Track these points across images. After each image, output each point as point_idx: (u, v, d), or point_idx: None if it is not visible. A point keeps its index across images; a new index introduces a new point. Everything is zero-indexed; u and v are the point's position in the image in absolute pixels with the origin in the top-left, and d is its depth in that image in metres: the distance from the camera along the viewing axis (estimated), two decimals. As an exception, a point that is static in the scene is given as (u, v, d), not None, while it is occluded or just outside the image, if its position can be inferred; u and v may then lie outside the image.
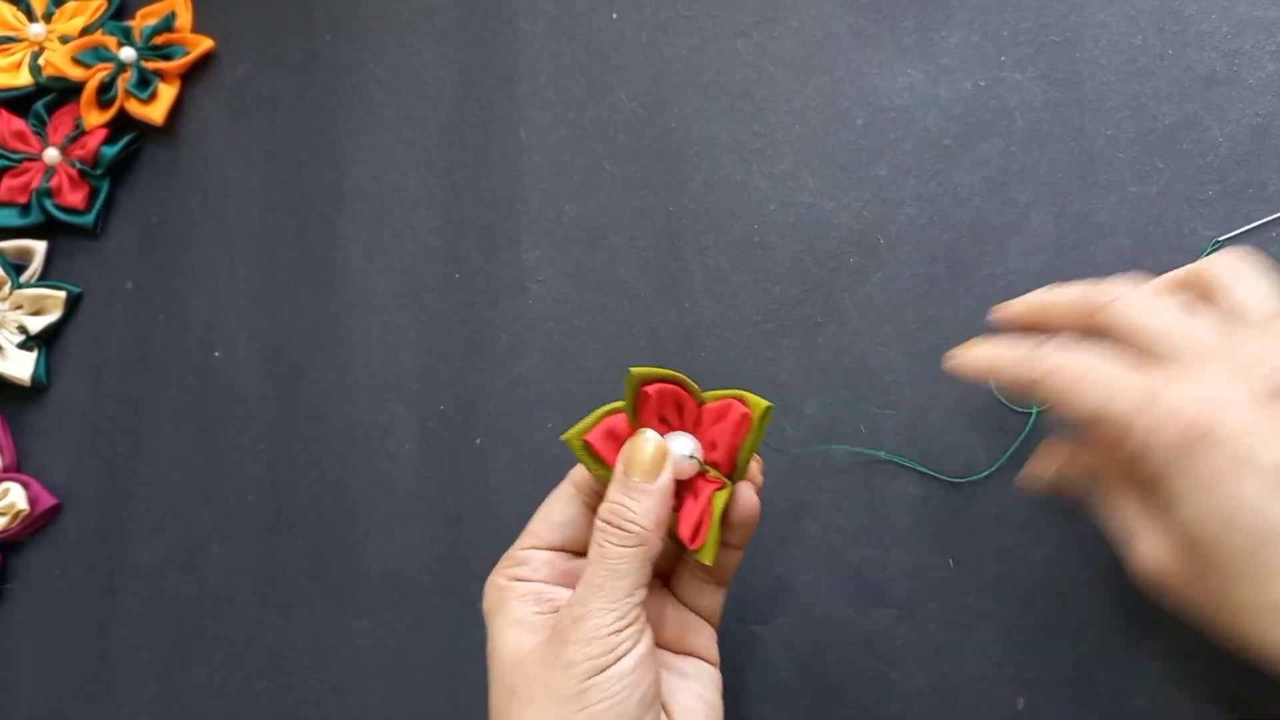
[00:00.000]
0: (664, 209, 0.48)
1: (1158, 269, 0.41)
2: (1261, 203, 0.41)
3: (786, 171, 0.47)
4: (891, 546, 0.42)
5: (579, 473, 0.37)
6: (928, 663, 0.41)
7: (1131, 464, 0.31)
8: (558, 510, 0.37)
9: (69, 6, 0.58)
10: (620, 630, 0.32)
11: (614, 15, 0.51)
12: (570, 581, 0.36)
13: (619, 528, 0.33)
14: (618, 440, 0.35)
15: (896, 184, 0.45)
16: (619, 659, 0.32)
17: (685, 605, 0.38)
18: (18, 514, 0.52)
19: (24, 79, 0.57)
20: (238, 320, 0.53)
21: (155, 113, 0.56)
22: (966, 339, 0.43)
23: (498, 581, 0.36)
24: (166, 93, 0.56)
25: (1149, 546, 0.32)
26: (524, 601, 0.35)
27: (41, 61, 0.57)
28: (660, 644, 0.37)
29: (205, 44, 0.57)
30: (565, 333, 0.48)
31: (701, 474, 0.35)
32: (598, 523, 0.34)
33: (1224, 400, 0.29)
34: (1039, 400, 0.34)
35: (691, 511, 0.35)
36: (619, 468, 0.34)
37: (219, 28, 0.57)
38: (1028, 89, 0.44)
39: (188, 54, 0.57)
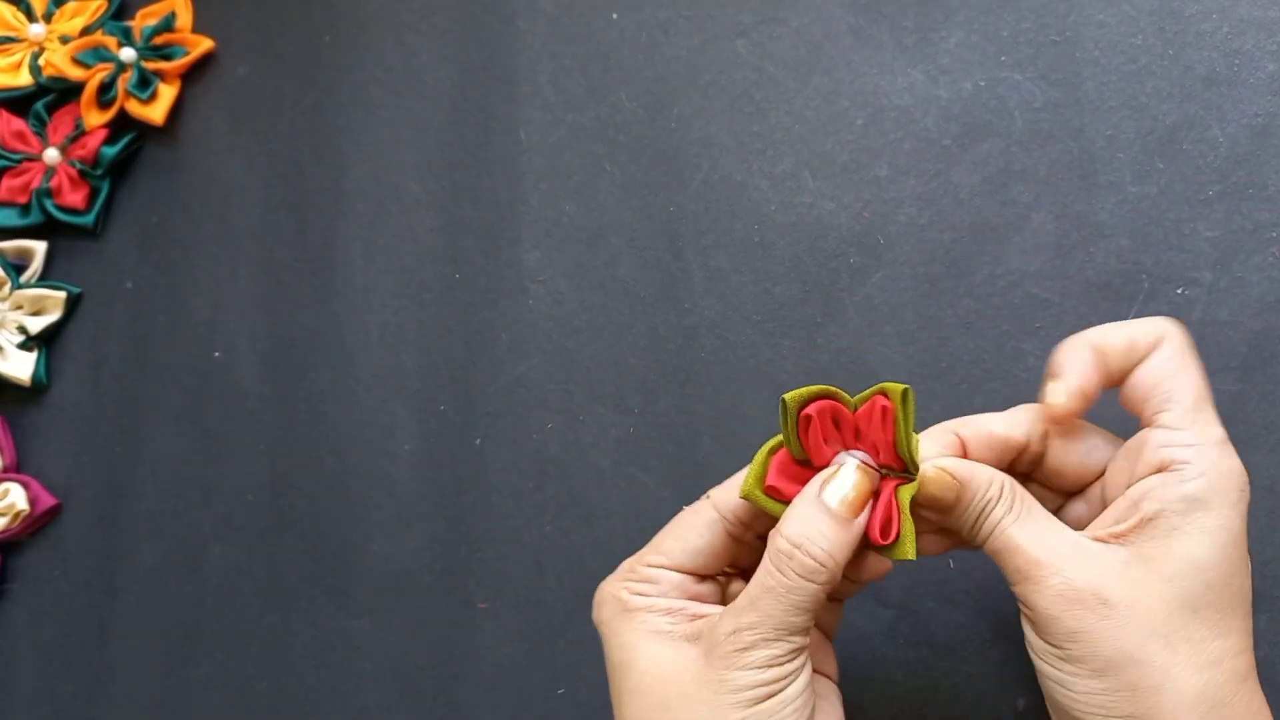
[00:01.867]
0: (664, 209, 0.48)
1: (1158, 269, 0.41)
2: (1262, 203, 0.41)
3: (786, 171, 0.47)
4: (891, 546, 0.42)
5: (725, 497, 0.35)
6: (928, 663, 0.41)
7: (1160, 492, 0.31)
8: (698, 534, 0.34)
9: (69, 7, 0.58)
10: (790, 661, 0.31)
11: (614, 15, 0.51)
12: (700, 600, 0.34)
13: (812, 558, 0.31)
14: (792, 475, 0.33)
15: (896, 184, 0.45)
16: (786, 686, 0.31)
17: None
18: (18, 514, 0.52)
19: (24, 79, 0.57)
20: (238, 320, 0.53)
21: (155, 113, 0.56)
22: (967, 339, 0.43)
23: (619, 594, 0.34)
24: (166, 93, 0.56)
25: (1124, 576, 0.30)
26: (655, 615, 0.33)
27: (41, 62, 0.57)
28: None
29: (205, 44, 0.57)
30: (565, 333, 0.48)
31: (882, 478, 0.34)
32: (781, 546, 0.31)
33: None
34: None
35: (875, 513, 0.33)
36: (815, 490, 0.32)
37: (219, 28, 0.57)
38: (1028, 89, 0.44)
39: (188, 54, 0.57)
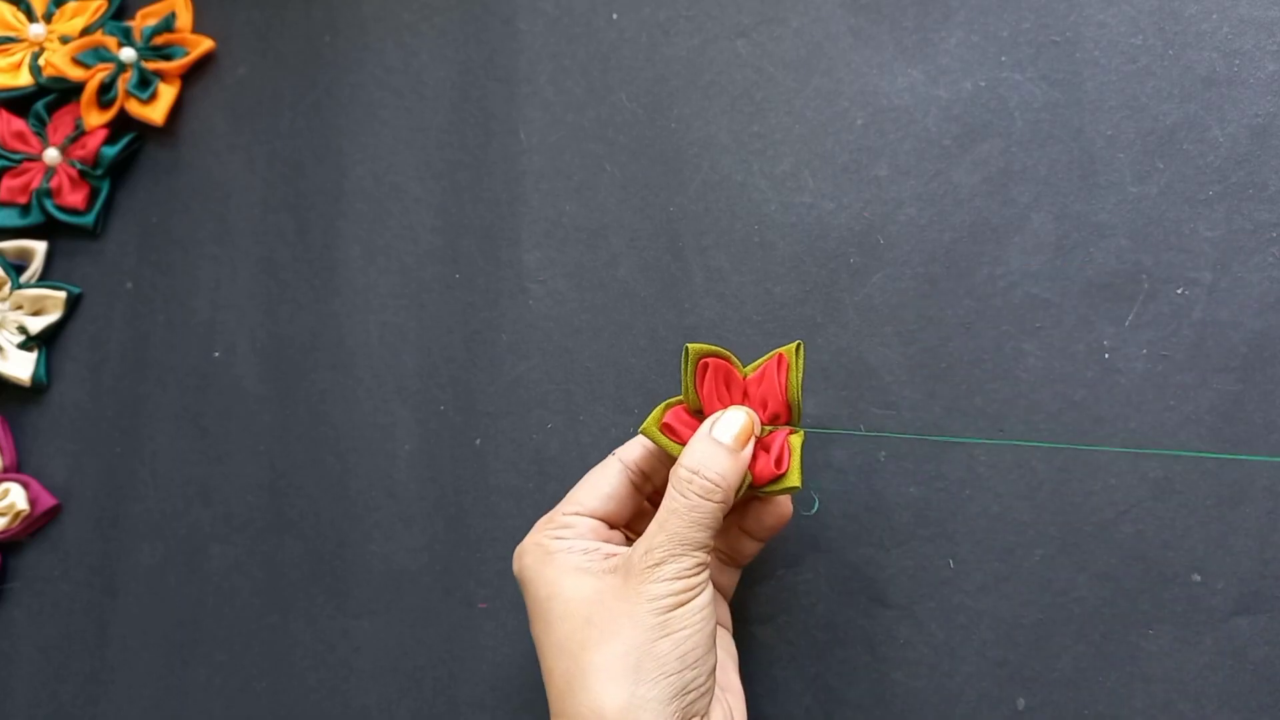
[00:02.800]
0: (664, 209, 0.48)
1: (1158, 269, 0.41)
2: (1261, 203, 0.41)
3: (786, 172, 0.47)
4: (891, 547, 0.42)
5: (629, 451, 0.40)
6: (928, 663, 0.41)
7: None
8: (606, 483, 0.39)
9: (69, 7, 0.58)
10: (696, 573, 0.35)
11: (614, 15, 0.51)
12: (610, 544, 0.38)
13: (709, 480, 0.36)
14: (685, 423, 0.38)
15: (896, 184, 0.45)
16: (694, 597, 0.35)
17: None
18: (18, 514, 0.52)
19: (24, 79, 0.57)
20: (238, 320, 0.53)
21: (155, 113, 0.56)
22: (966, 339, 0.43)
23: (540, 541, 0.38)
24: (167, 93, 0.56)
25: None
26: (573, 554, 0.37)
27: (42, 62, 0.57)
28: None
29: (205, 44, 0.57)
30: (565, 333, 0.48)
31: (763, 436, 0.38)
32: (682, 474, 0.36)
33: None
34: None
35: (766, 461, 0.37)
36: (707, 429, 0.37)
37: (219, 28, 0.57)
38: (1028, 89, 0.44)
39: (188, 54, 0.57)
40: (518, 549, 0.39)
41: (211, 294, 0.54)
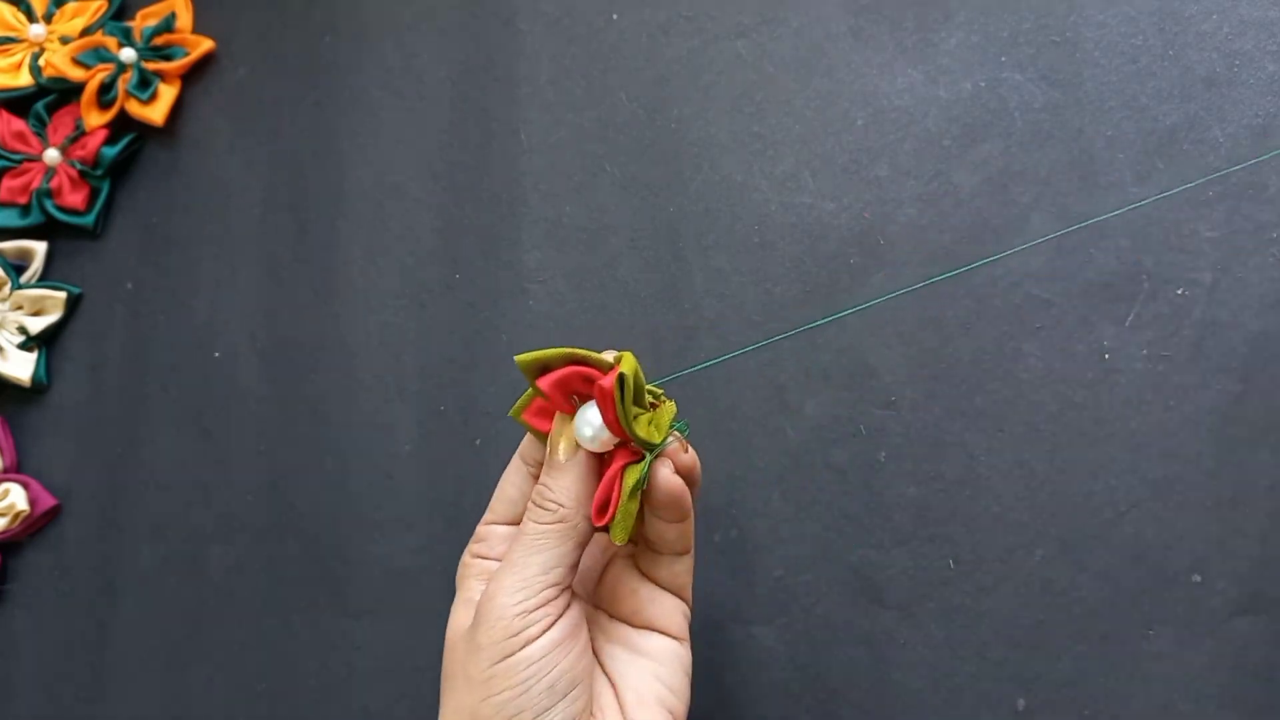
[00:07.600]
0: (664, 209, 0.48)
1: (1158, 269, 0.41)
2: (1261, 203, 0.41)
3: (787, 172, 0.47)
4: (891, 547, 0.42)
5: (526, 446, 0.36)
6: (928, 663, 0.41)
7: None
8: (514, 486, 0.36)
9: (69, 7, 0.58)
10: (530, 611, 0.31)
11: (614, 16, 0.51)
12: None
13: (540, 505, 0.33)
14: (548, 415, 0.34)
15: (896, 185, 0.45)
16: (526, 644, 0.31)
17: (647, 577, 0.36)
18: (18, 514, 0.52)
19: (24, 79, 0.57)
20: (238, 320, 0.53)
21: (156, 113, 0.56)
22: (967, 339, 0.43)
23: (464, 559, 0.36)
24: (167, 93, 0.56)
25: None
26: (480, 579, 0.35)
27: (42, 62, 0.57)
28: (619, 617, 0.36)
29: (205, 45, 0.57)
30: (565, 333, 0.48)
31: (623, 445, 0.33)
32: (534, 498, 0.33)
33: None
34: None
35: (604, 487, 0.32)
36: (547, 448, 0.34)
37: (219, 29, 0.57)
38: (1028, 89, 0.44)
39: (188, 55, 0.57)
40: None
41: (211, 294, 0.54)
